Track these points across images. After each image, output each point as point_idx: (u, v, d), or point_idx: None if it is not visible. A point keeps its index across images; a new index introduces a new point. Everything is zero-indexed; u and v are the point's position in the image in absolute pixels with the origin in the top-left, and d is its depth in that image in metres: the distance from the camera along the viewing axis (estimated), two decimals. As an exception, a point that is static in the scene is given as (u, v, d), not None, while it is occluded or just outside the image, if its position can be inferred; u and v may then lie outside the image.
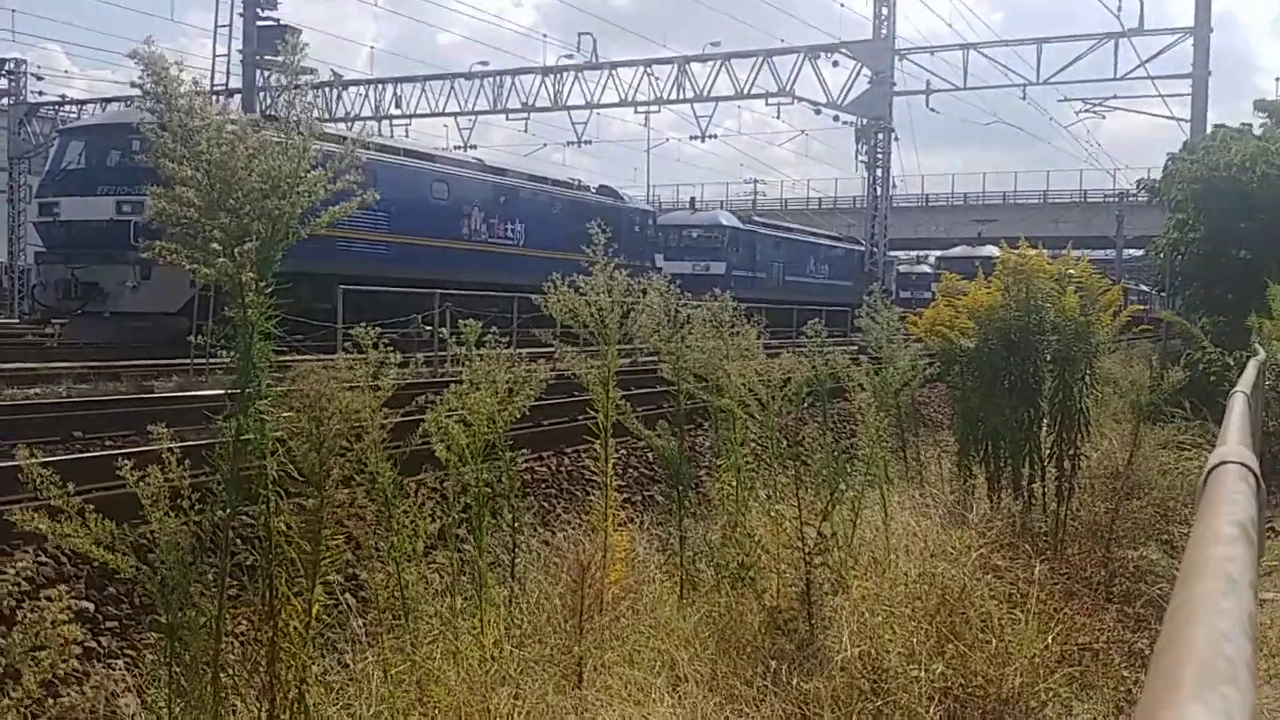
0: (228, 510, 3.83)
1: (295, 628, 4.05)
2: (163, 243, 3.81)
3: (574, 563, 5.68)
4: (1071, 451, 9.00)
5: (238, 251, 3.80)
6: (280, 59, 4.04)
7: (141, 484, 3.53)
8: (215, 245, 3.79)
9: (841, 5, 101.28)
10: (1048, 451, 9.09)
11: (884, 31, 33.54)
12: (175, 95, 3.66)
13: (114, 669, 5.66)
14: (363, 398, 4.29)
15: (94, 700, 4.91)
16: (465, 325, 5.38)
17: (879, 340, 9.94)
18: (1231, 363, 15.21)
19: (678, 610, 6.17)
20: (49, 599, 2.83)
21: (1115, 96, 34.83)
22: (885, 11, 33.68)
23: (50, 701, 2.56)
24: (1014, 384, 9.08)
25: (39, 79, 46.03)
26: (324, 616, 4.72)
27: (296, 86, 3.95)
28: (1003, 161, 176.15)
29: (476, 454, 5.22)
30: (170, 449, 3.62)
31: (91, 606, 6.01)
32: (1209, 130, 28.03)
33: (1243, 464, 1.34)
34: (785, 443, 6.47)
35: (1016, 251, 9.25)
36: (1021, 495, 9.05)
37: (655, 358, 7.42)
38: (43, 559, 6.19)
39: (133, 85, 3.85)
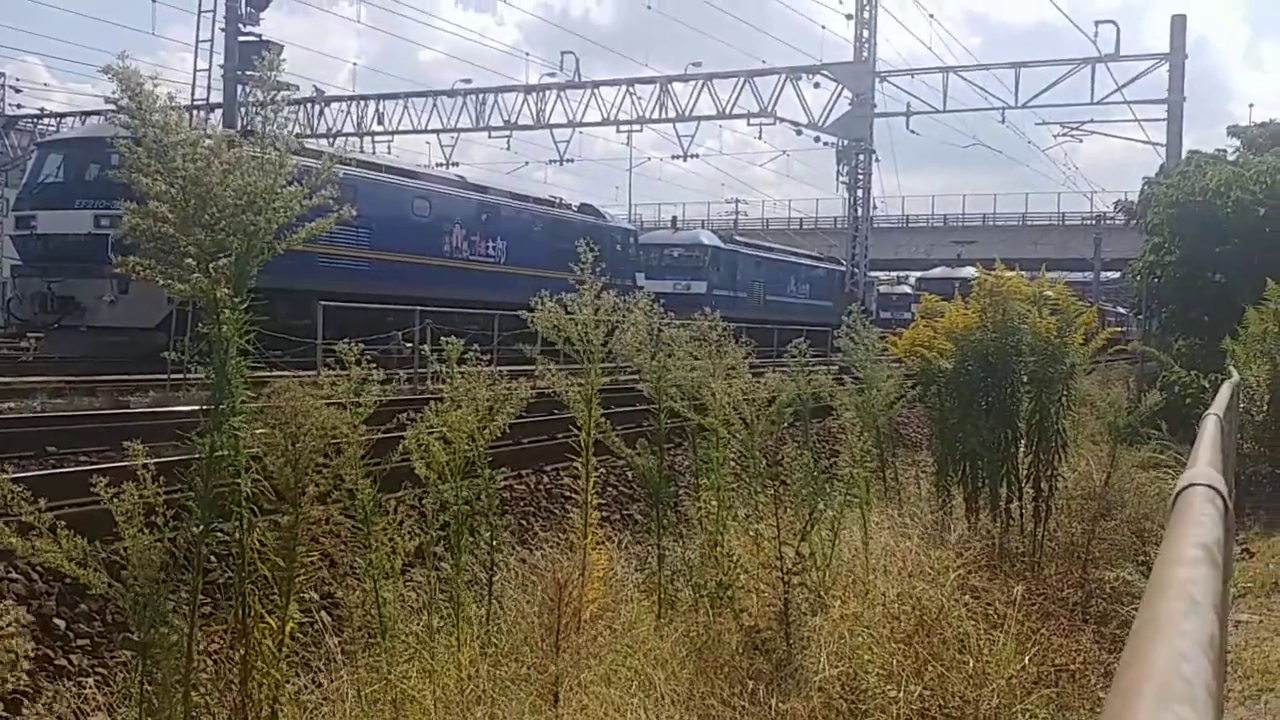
0: (201, 527, 3.80)
1: (268, 646, 4.02)
2: (136, 258, 3.79)
3: (551, 581, 5.67)
4: (1049, 472, 9.03)
5: (212, 267, 3.79)
6: (258, 74, 4.03)
7: (115, 501, 3.50)
8: (190, 261, 3.77)
9: (823, 28, 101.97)
10: (1025, 472, 9.12)
11: (865, 54, 33.83)
12: (150, 110, 3.65)
13: (84, 687, 5.60)
14: (340, 414, 4.28)
15: (63, 717, 4.86)
16: (447, 342, 5.37)
17: (862, 361, 9.97)
18: (1206, 385, 15.32)
19: (655, 629, 6.16)
20: None
21: (1092, 120, 35.17)
22: (866, 34, 33.98)
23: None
24: (991, 405, 9.11)
25: (17, 91, 45.82)
26: (298, 635, 4.68)
27: (273, 101, 3.95)
28: (982, 184, 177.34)
29: (456, 472, 5.20)
30: (145, 465, 3.59)
31: (62, 624, 5.95)
32: (1184, 155, 28.34)
33: (1210, 486, 1.35)
34: (766, 462, 6.47)
35: (993, 273, 9.30)
36: (999, 516, 9.07)
37: (635, 376, 7.41)
38: (13, 575, 6.13)
39: (106, 100, 3.85)
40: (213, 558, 4.23)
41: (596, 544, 6.65)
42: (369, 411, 4.52)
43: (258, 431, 4.15)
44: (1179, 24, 31.36)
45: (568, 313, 6.14)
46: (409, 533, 4.94)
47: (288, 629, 4.16)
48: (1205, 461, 1.81)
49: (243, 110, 22.95)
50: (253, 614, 4.04)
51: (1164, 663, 0.66)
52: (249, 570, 4.03)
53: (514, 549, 7.64)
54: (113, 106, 3.80)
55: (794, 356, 7.77)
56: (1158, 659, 0.67)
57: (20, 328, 24.41)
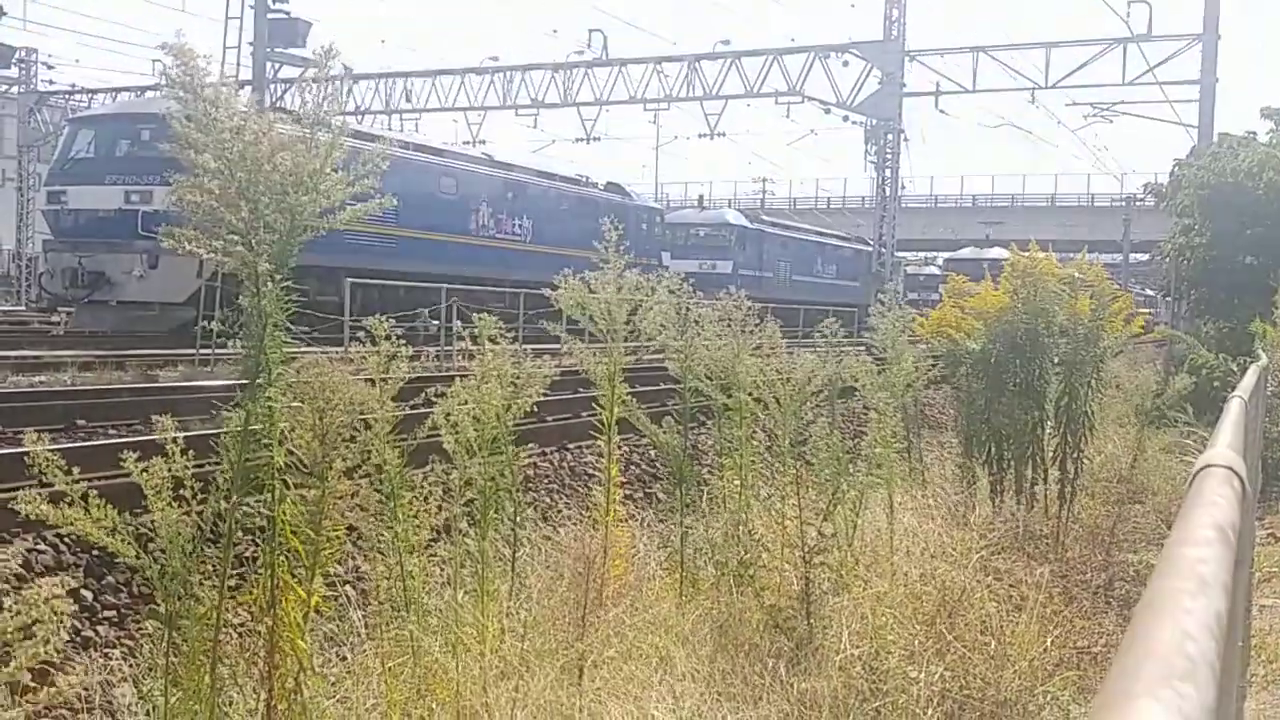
0: (232, 499, 3.85)
1: (295, 619, 4.07)
2: (182, 230, 3.84)
3: (578, 557, 5.70)
4: (1075, 454, 9.01)
5: (255, 241, 3.83)
6: (298, 53, 4.07)
7: (144, 474, 3.55)
8: (234, 235, 3.82)
9: (852, 6, 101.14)
10: (1051, 454, 9.10)
11: (894, 33, 33.56)
12: (202, 85, 3.69)
13: (110, 659, 5.69)
14: (368, 389, 4.31)
15: (89, 688, 4.93)
16: (479, 319, 5.40)
17: (888, 339, 9.94)
18: (1235, 369, 15.19)
19: (677, 607, 6.19)
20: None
21: (1123, 101, 34.79)
22: (896, 13, 33.71)
23: (43, 690, 2.58)
24: (1019, 386, 9.08)
25: (49, 68, 46.11)
26: (323, 608, 4.74)
27: (325, 81, 3.99)
28: (1011, 165, 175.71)
29: (484, 447, 5.24)
30: (174, 439, 3.64)
31: (90, 595, 6.04)
32: (1216, 137, 28.01)
33: (1228, 468, 1.35)
34: (792, 441, 6.48)
35: (1026, 254, 9.25)
36: (1024, 498, 9.06)
37: (660, 355, 7.42)
38: (41, 547, 6.22)
39: (161, 74, 3.89)
40: (240, 531, 4.28)
41: (619, 522, 6.69)
42: (397, 387, 4.55)
43: (288, 405, 4.19)
44: (1212, 4, 30.94)
45: (591, 291, 6.15)
46: (436, 507, 4.98)
47: (313, 602, 4.21)
48: (1225, 443, 1.80)
49: (273, 87, 23.13)
50: (280, 586, 4.09)
51: (1167, 640, 0.66)
52: (278, 543, 4.07)
53: (538, 526, 7.68)
54: (147, 81, 3.85)
55: (824, 337, 7.72)
56: (1161, 636, 0.67)
57: (51, 302, 24.66)
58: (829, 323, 7.72)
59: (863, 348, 10.83)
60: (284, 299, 3.94)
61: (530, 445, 7.03)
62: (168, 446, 3.64)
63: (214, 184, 3.73)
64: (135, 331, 21.30)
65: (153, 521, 3.66)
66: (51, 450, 3.57)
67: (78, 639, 5.59)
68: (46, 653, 2.28)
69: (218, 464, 3.95)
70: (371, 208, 4.07)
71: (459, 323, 20.65)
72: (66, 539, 6.23)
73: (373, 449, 4.52)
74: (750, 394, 6.59)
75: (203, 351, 17.05)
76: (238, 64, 22.51)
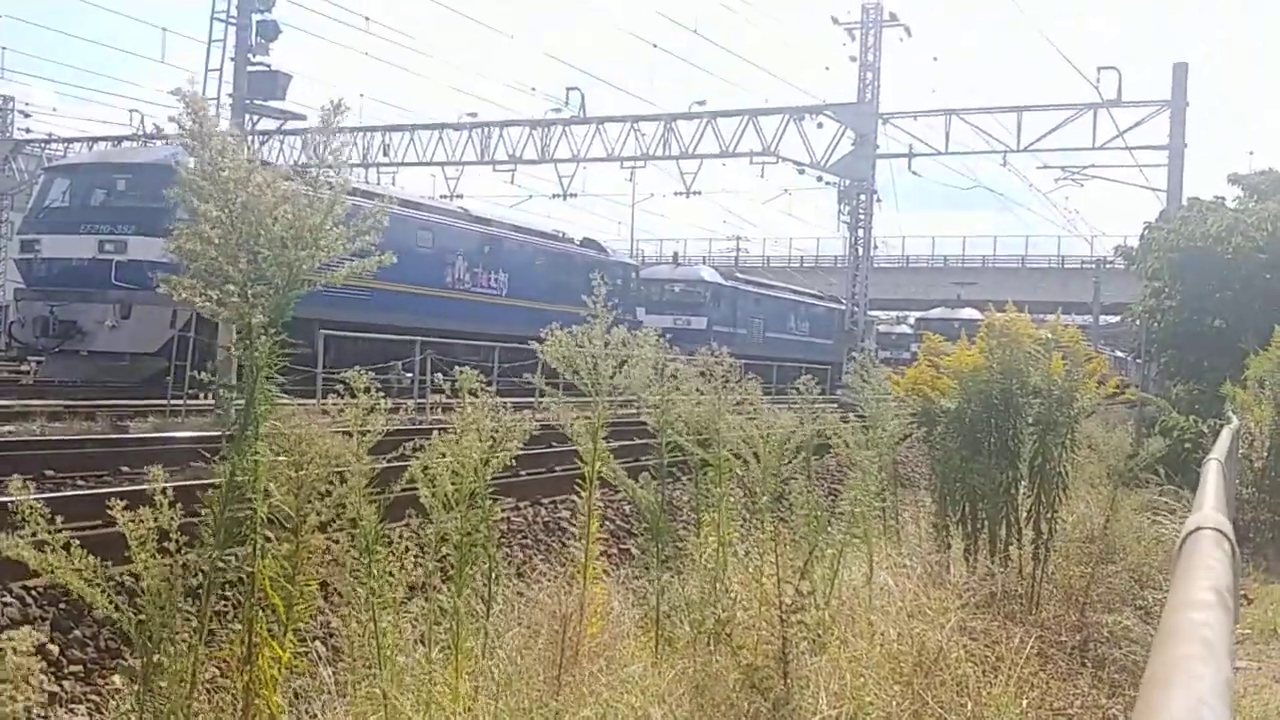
0: (215, 552, 3.81)
1: (271, 675, 4.01)
2: (179, 278, 3.83)
3: (553, 614, 5.65)
4: (1049, 514, 9.02)
5: (252, 293, 3.83)
6: (277, 105, 4.09)
7: (130, 525, 3.51)
8: (231, 286, 3.81)
9: (827, 69, 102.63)
10: (1025, 514, 9.11)
11: (868, 95, 34.06)
12: (210, 134, 3.71)
13: (77, 714, 5.58)
14: (345, 442, 4.28)
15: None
16: (461, 373, 5.39)
17: (869, 401, 9.96)
18: (1205, 430, 15.32)
19: (653, 665, 6.12)
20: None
21: (1093, 165, 35.35)
22: (870, 76, 34.24)
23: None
24: (994, 445, 9.11)
25: (26, 116, 46.06)
26: (295, 664, 4.67)
27: (332, 140, 4.01)
28: (982, 226, 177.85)
29: (461, 501, 5.20)
30: (163, 490, 3.60)
31: (56, 649, 5.93)
32: (1185, 201, 28.48)
33: (1218, 530, 1.36)
34: (772, 499, 6.46)
35: (1001, 314, 9.32)
36: (999, 557, 9.05)
37: (635, 410, 7.41)
38: (8, 599, 6.12)
39: (170, 120, 3.91)
40: (222, 585, 4.22)
41: (595, 578, 6.63)
42: (375, 440, 4.52)
43: (274, 460, 4.16)
44: (1180, 72, 31.58)
45: (578, 345, 6.15)
46: (414, 562, 4.93)
47: (284, 659, 4.14)
48: (1211, 505, 1.81)
49: (252, 139, 23.15)
50: (258, 641, 4.03)
51: (1183, 710, 0.66)
52: (258, 597, 4.02)
53: (511, 582, 7.61)
54: (123, 131, 3.86)
55: (801, 394, 7.73)
56: (1176, 706, 0.67)
57: (21, 351, 24.44)
58: (806, 380, 7.74)
59: (837, 405, 10.86)
60: (277, 353, 3.93)
61: (504, 500, 6.99)
62: (156, 498, 3.60)
63: (215, 233, 3.73)
64: (106, 382, 21.13)
65: (133, 573, 3.61)
66: (19, 500, 3.52)
67: (43, 694, 5.48)
68: (14, 714, 2.24)
69: (192, 515, 3.90)
70: (370, 264, 4.08)
71: (437, 376, 20.63)
72: (33, 591, 6.13)
73: (348, 503, 4.48)
74: (731, 450, 6.57)
75: (174, 402, 16.91)
76: (217, 115, 22.59)
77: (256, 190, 3.72)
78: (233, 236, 3.75)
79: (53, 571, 3.38)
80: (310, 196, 3.87)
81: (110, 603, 3.52)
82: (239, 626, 4.09)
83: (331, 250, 3.89)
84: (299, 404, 6.07)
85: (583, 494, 6.28)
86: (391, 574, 4.76)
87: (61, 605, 6.09)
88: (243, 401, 3.91)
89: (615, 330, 6.29)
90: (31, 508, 3.32)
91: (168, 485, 3.65)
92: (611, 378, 6.28)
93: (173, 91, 3.73)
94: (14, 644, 2.27)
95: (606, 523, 11.01)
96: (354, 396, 4.44)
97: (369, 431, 4.45)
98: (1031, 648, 7.10)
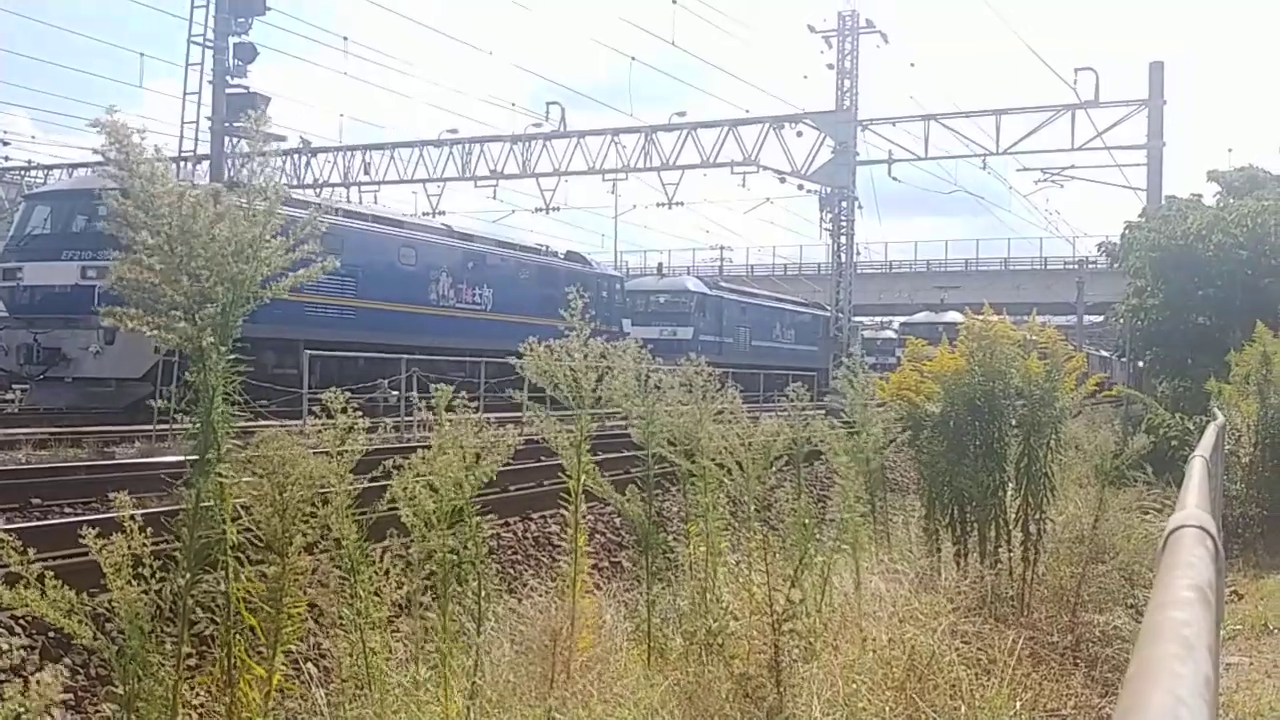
0: (187, 578, 3.78)
1: (255, 698, 3.98)
2: (123, 309, 3.80)
3: (544, 629, 5.62)
4: (1037, 515, 9.03)
5: (199, 316, 3.80)
6: (245, 126, 4.08)
7: (104, 553, 3.48)
8: (175, 311, 3.78)
9: (805, 78, 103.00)
10: (1013, 516, 9.12)
11: (847, 103, 34.19)
12: (137, 162, 3.68)
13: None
14: (327, 463, 4.26)
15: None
16: (436, 389, 5.36)
17: (854, 405, 9.97)
18: (1191, 427, 15.38)
19: (645, 678, 6.10)
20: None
21: (1073, 166, 35.51)
22: (848, 84, 34.38)
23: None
24: (980, 448, 9.12)
25: (5, 144, 45.93)
26: (285, 687, 4.63)
27: (261, 153, 3.98)
28: (964, 229, 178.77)
29: (444, 519, 5.17)
30: (133, 516, 3.57)
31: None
32: (1164, 200, 28.65)
33: (1201, 528, 1.36)
34: (757, 506, 6.45)
35: (980, 318, 9.35)
36: (988, 559, 9.05)
37: (624, 422, 7.40)
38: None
39: (93, 152, 3.90)
40: (199, 609, 4.19)
41: (585, 592, 6.61)
42: (355, 460, 4.50)
43: (245, 480, 4.13)
44: (1157, 71, 31.78)
45: (557, 358, 6.14)
46: (396, 582, 4.91)
47: (274, 681, 4.12)
48: (1194, 503, 1.81)
49: (230, 161, 23.14)
50: (238, 665, 4.00)
51: (1161, 708, 0.66)
52: (235, 621, 3.99)
53: (502, 597, 7.58)
54: (100, 158, 3.83)
55: (790, 401, 7.73)
56: (1154, 704, 0.67)
57: (5, 379, 24.33)
58: (794, 387, 7.73)
59: (824, 411, 10.86)
60: (231, 371, 3.91)
61: (491, 515, 6.96)
62: (125, 524, 3.57)
63: (154, 260, 3.71)
64: (92, 408, 21.03)
65: (111, 601, 3.58)
66: (6, 530, 3.49)
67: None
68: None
69: (173, 540, 3.88)
70: (316, 273, 4.06)
71: (413, 394, 20.60)
72: (21, 620, 6.08)
73: (332, 524, 4.45)
74: (714, 460, 6.56)
75: (159, 427, 16.83)
76: (196, 139, 22.55)
77: (190, 210, 3.70)
78: (172, 260, 3.73)
79: (26, 606, 3.35)
80: (245, 209, 3.85)
81: (89, 633, 3.49)
82: (220, 651, 4.06)
83: (272, 261, 3.87)
84: (283, 425, 6.05)
85: (569, 508, 6.26)
86: (377, 593, 4.73)
87: (50, 634, 6.04)
88: (201, 426, 3.88)
89: (593, 342, 6.27)
90: (4, 541, 3.29)
91: (149, 511, 3.63)
92: (594, 390, 6.27)
93: (92, 123, 3.71)
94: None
95: (597, 536, 10.99)
96: (331, 417, 4.42)
97: (348, 452, 4.42)
98: (1024, 649, 7.10)
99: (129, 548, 3.48)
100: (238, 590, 3.96)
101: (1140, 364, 26.17)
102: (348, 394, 4.52)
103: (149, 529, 3.74)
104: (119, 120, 3.73)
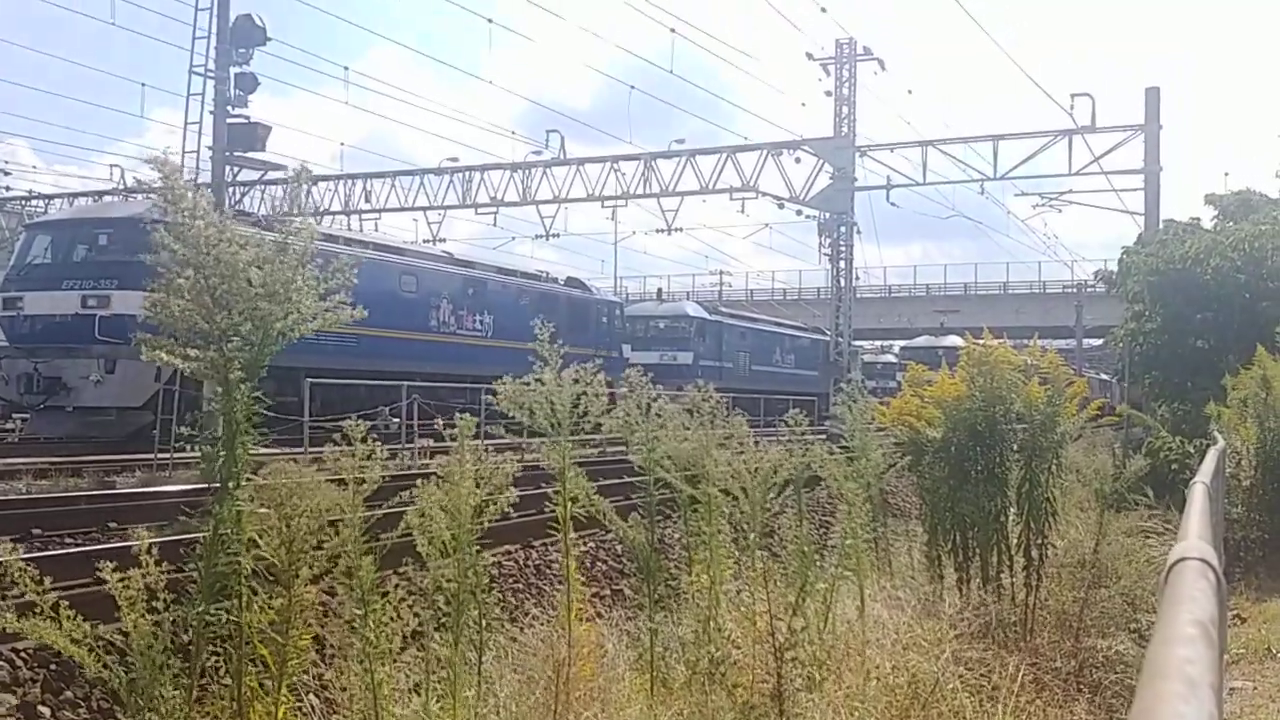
0: (199, 607, 3.79)
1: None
2: (156, 338, 3.85)
3: (545, 659, 5.62)
4: (1039, 540, 9.03)
5: (227, 348, 3.85)
6: (257, 157, 4.13)
7: (120, 586, 3.49)
8: (205, 341, 3.83)
9: (803, 105, 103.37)
10: (1015, 541, 9.11)
11: (844, 129, 34.33)
12: (181, 195, 3.74)
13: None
14: (337, 495, 4.28)
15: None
16: (461, 419, 5.38)
17: (854, 430, 9.97)
18: (1192, 450, 15.38)
19: (649, 708, 6.09)
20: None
21: (1070, 191, 35.60)
22: (846, 110, 34.52)
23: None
24: (981, 474, 9.12)
25: (5, 174, 46.11)
26: (290, 719, 4.63)
27: (301, 195, 4.05)
28: (962, 254, 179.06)
29: (460, 547, 5.18)
30: (148, 549, 3.59)
31: (48, 711, 5.87)
32: (1161, 223, 28.72)
33: (1203, 560, 1.38)
34: (762, 534, 6.45)
35: (980, 343, 9.37)
36: (990, 585, 9.04)
37: (624, 448, 7.40)
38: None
39: (139, 183, 3.98)
40: (210, 640, 4.20)
41: (586, 620, 6.60)
42: (371, 489, 4.52)
43: (254, 511, 4.15)
44: (1153, 96, 31.92)
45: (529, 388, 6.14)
46: (409, 612, 4.90)
47: (281, 714, 4.12)
48: (1195, 534, 1.83)
49: (232, 190, 23.25)
50: (249, 696, 4.00)
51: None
52: (246, 651, 4.00)
53: (504, 627, 7.57)
54: (103, 187, 3.90)
55: (790, 427, 7.72)
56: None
57: (6, 408, 24.33)
58: (794, 413, 7.73)
59: (825, 436, 10.87)
60: (253, 404, 3.95)
61: (505, 547, 6.96)
62: (141, 557, 3.59)
63: (190, 291, 3.76)
64: (92, 437, 21.03)
65: (122, 632, 3.60)
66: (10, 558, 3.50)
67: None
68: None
69: (179, 571, 3.89)
70: (344, 317, 4.10)
71: (423, 422, 20.59)
72: (23, 653, 6.07)
73: (342, 554, 4.46)
74: (717, 487, 6.57)
75: (161, 456, 16.82)
76: (197, 168, 22.64)
77: (229, 248, 3.75)
78: (206, 294, 3.78)
79: (40, 637, 3.36)
80: (279, 248, 3.90)
81: (99, 663, 3.50)
82: (230, 682, 4.07)
83: (303, 304, 3.92)
84: (286, 454, 6.06)
85: (574, 536, 6.27)
86: (386, 624, 4.73)
87: (53, 666, 6.03)
88: (224, 454, 3.91)
89: (573, 368, 6.27)
90: (22, 569, 3.31)
91: (154, 541, 3.64)
92: (582, 418, 6.26)
93: (147, 159, 3.78)
94: None
95: (599, 564, 10.97)
96: (350, 444, 4.44)
97: (363, 481, 4.44)
98: (1027, 675, 7.09)
99: (144, 581, 3.49)
100: (250, 620, 3.97)
101: (1139, 388, 26.14)
102: (366, 424, 4.55)
103: (152, 557, 3.75)
104: (170, 157, 3.82)
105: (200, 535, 3.94)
